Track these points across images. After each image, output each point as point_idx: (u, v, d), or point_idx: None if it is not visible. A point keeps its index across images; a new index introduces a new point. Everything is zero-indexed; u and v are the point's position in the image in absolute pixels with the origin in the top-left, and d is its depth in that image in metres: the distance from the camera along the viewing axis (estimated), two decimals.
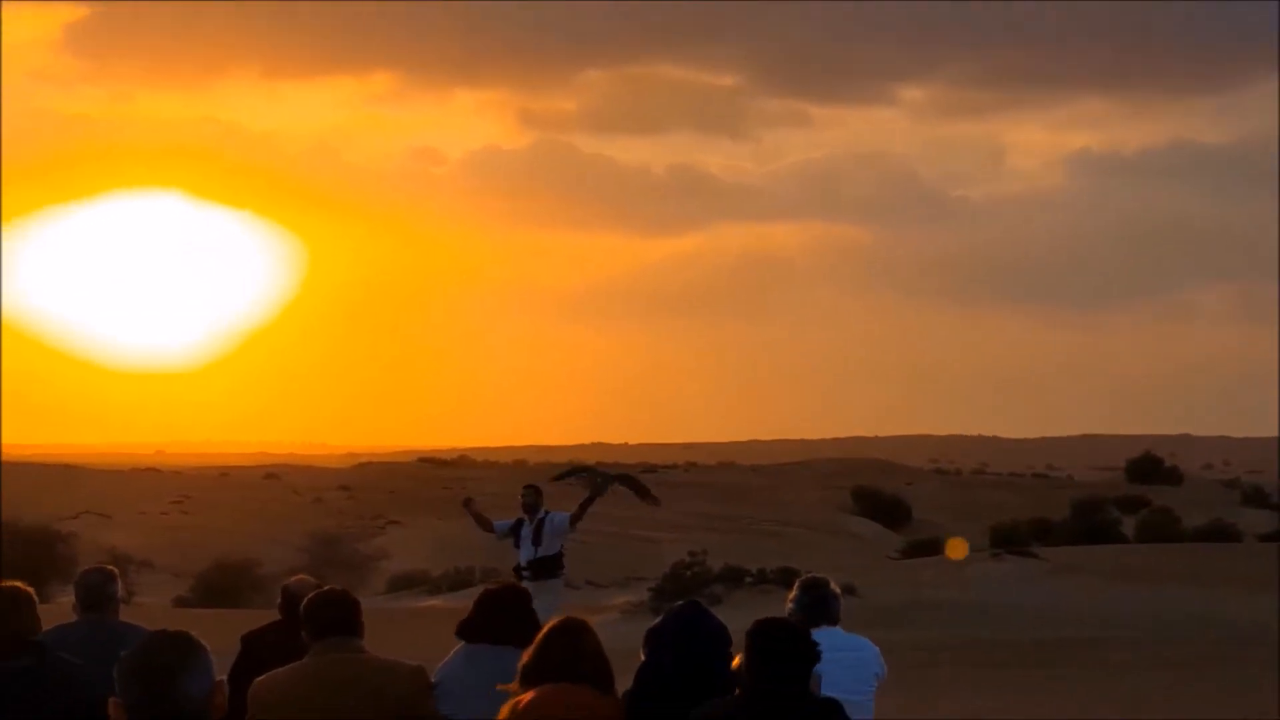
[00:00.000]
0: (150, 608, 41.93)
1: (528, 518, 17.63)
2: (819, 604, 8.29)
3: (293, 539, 65.00)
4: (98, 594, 8.52)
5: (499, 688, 6.78)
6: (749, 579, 41.00)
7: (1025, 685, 22.23)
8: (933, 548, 57.24)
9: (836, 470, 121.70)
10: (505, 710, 6.57)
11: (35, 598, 7.48)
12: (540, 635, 6.81)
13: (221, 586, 51.52)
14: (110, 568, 8.86)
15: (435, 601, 48.48)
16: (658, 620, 7.02)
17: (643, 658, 6.97)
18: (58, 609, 8.87)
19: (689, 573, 42.05)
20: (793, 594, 8.43)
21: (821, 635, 7.99)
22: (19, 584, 7.51)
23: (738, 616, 6.76)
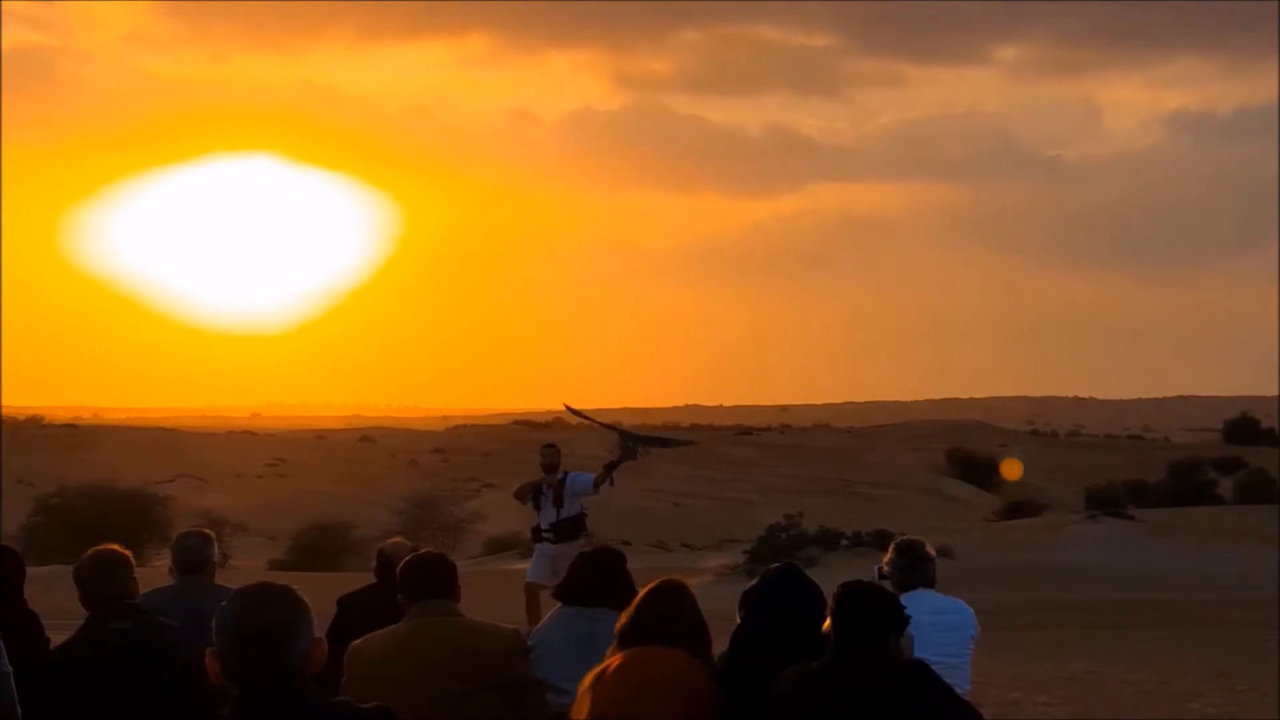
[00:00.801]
0: (246, 571, 42.30)
1: (547, 478, 17.19)
2: (915, 566, 8.26)
3: (388, 502, 65.43)
4: (195, 557, 8.57)
5: (597, 650, 6.77)
6: (844, 541, 40.96)
7: (1121, 647, 22.07)
8: (1028, 510, 57.00)
9: (931, 432, 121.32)
10: (595, 672, 6.55)
11: (132, 561, 7.55)
12: (638, 597, 6.79)
13: (316, 549, 51.92)
14: (207, 531, 8.91)
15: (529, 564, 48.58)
16: (754, 582, 6.98)
17: (738, 620, 6.94)
18: (154, 572, 8.96)
19: (784, 535, 42.06)
20: (888, 556, 8.40)
21: (917, 598, 7.97)
22: (116, 547, 7.57)
23: (833, 579, 6.71)
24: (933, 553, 8.46)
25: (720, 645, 6.87)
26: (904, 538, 8.58)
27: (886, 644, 6.05)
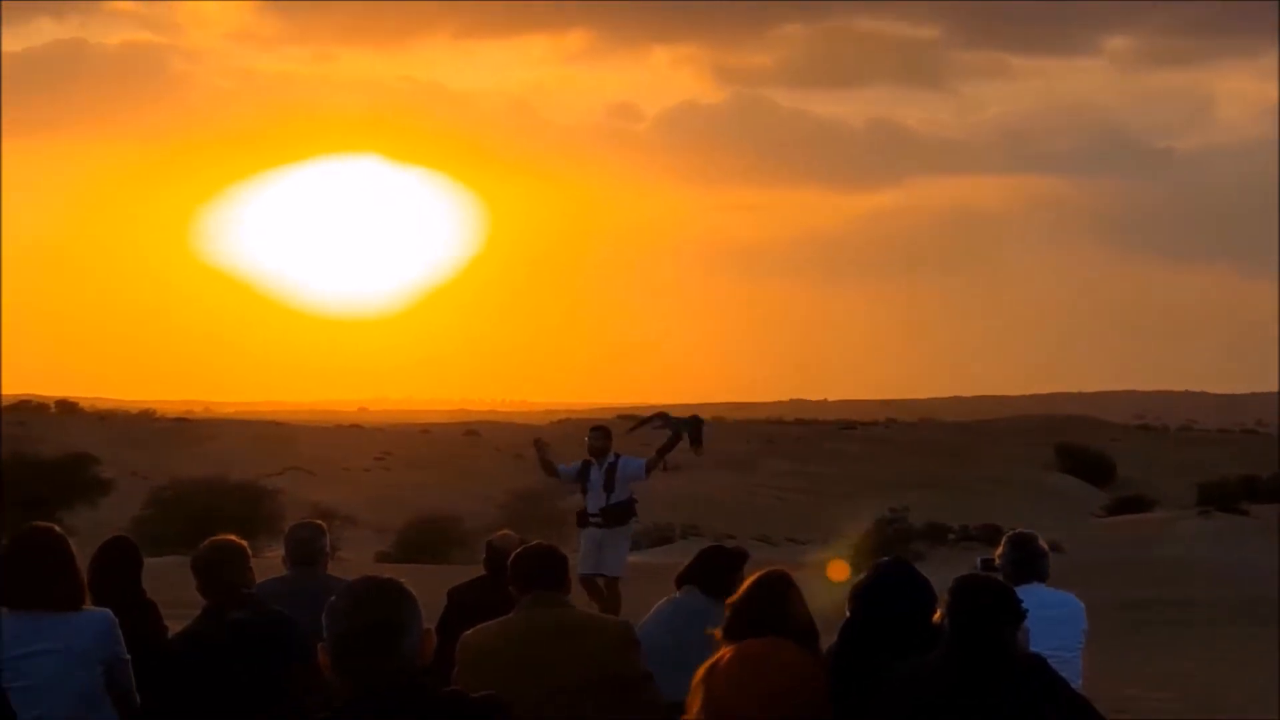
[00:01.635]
0: (354, 563, 42.58)
1: (596, 461, 16.68)
2: (1028, 560, 8.23)
3: (494, 495, 65.68)
4: (308, 548, 8.65)
5: (707, 632, 6.76)
6: (951, 535, 40.79)
7: (1233, 645, 21.82)
8: (1138, 505, 56.49)
9: (1039, 427, 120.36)
10: (708, 665, 6.54)
11: (249, 551, 7.63)
12: (745, 588, 6.77)
13: (423, 542, 52.15)
14: (319, 523, 8.99)
15: (635, 558, 48.73)
16: (863, 576, 6.96)
17: (847, 614, 6.92)
18: (265, 563, 9.03)
19: (891, 529, 41.94)
20: (1000, 549, 8.36)
21: (1029, 592, 7.91)
22: (233, 538, 7.66)
23: (940, 573, 6.69)
24: (1045, 547, 8.42)
25: (828, 639, 6.85)
26: (1017, 531, 8.54)
27: (1004, 638, 6.01)
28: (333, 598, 4.30)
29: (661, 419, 17.61)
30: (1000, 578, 8.03)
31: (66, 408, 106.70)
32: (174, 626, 7.73)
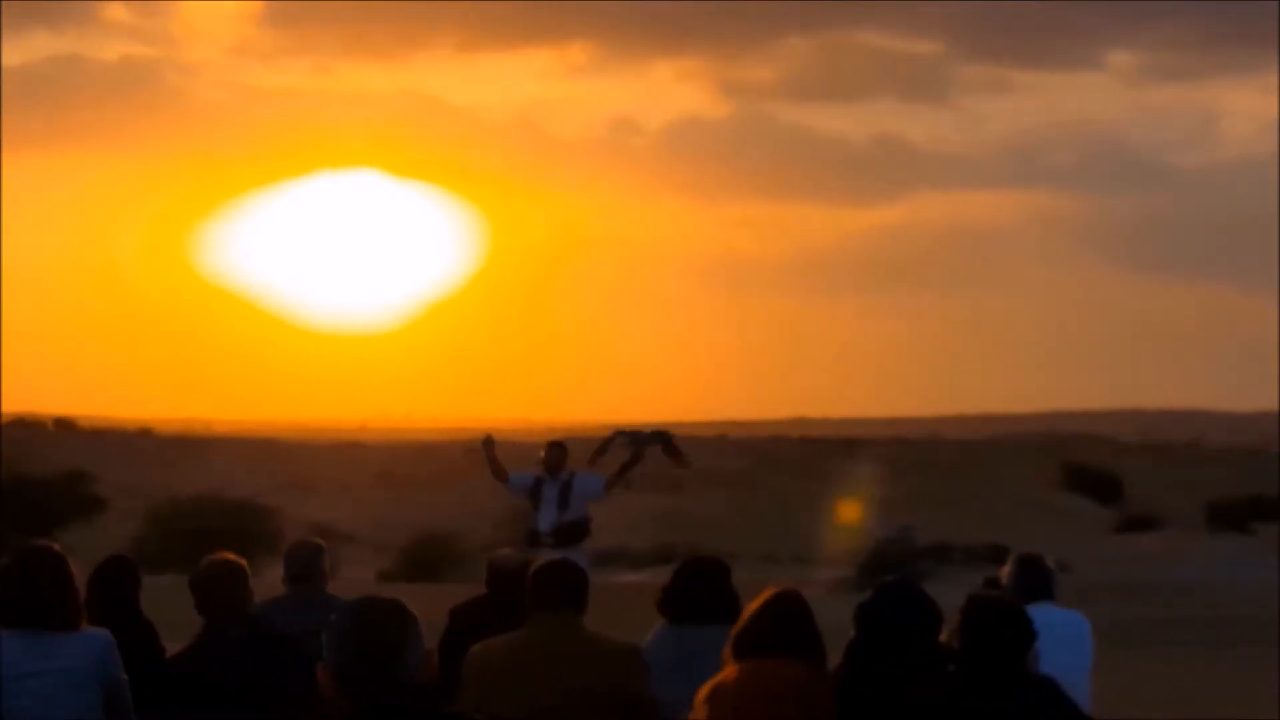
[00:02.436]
0: (355, 582, 42.53)
1: (549, 477, 15.84)
2: (1035, 579, 8.19)
3: (495, 513, 65.66)
4: (306, 567, 8.61)
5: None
6: (957, 555, 40.72)
7: (1242, 665, 21.76)
8: (1146, 524, 56.44)
9: (1045, 444, 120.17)
10: (711, 684, 6.48)
11: (248, 570, 7.57)
12: (752, 606, 6.72)
13: (424, 561, 52.11)
14: (318, 541, 8.95)
15: (637, 577, 48.63)
16: (868, 595, 6.91)
17: (853, 633, 6.87)
18: (262, 582, 8.97)
19: (895, 548, 41.85)
20: (1007, 568, 8.31)
21: (1037, 611, 7.84)
22: (232, 556, 7.60)
23: (947, 592, 6.64)
24: (1052, 565, 8.38)
25: (833, 659, 6.79)
26: (1024, 550, 8.51)
27: (1016, 658, 5.96)
28: (333, 617, 4.30)
29: (624, 435, 16.72)
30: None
31: (64, 425, 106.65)
32: (172, 646, 7.66)
